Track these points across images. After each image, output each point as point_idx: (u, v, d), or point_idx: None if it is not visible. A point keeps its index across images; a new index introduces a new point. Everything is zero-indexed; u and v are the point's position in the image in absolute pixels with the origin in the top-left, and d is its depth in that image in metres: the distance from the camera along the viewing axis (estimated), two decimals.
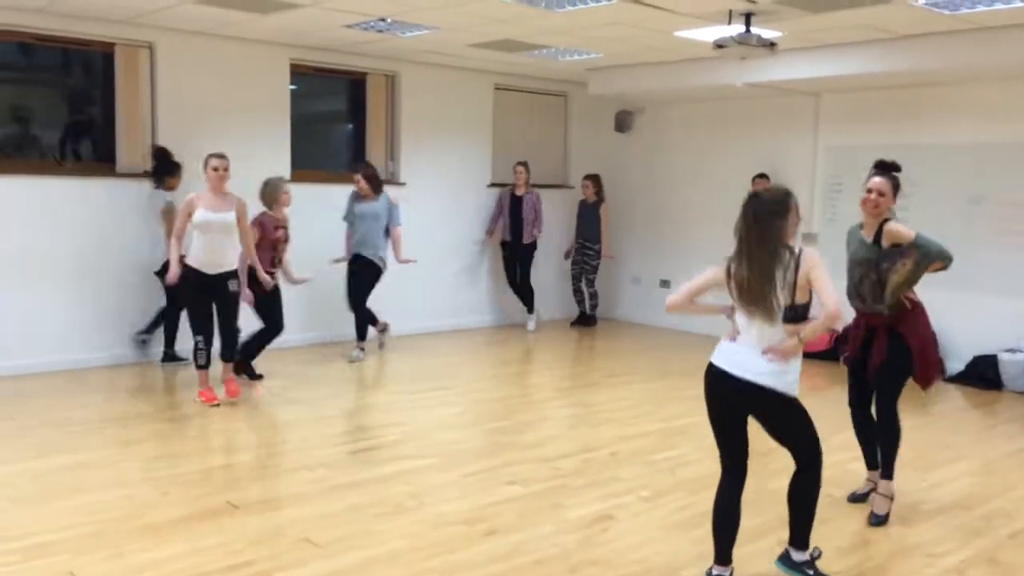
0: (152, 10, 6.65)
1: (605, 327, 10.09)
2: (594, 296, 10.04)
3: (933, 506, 4.55)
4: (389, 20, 6.79)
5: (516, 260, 9.65)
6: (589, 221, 9.86)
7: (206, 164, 6.01)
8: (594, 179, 9.88)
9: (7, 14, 6.64)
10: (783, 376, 3.30)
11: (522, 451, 5.30)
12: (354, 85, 8.96)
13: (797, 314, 3.28)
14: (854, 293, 4.46)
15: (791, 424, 3.43)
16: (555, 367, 8.01)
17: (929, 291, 4.68)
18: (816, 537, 3.70)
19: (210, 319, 6.09)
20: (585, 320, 10.09)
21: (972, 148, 7.62)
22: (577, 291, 10.09)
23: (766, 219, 3.27)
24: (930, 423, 6.40)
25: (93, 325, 7.21)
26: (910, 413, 6.62)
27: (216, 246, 5.97)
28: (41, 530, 3.90)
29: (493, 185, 9.77)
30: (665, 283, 9.88)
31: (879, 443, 4.47)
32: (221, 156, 6.05)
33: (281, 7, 6.39)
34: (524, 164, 9.48)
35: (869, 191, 4.30)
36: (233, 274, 6.09)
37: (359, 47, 8.09)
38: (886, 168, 4.36)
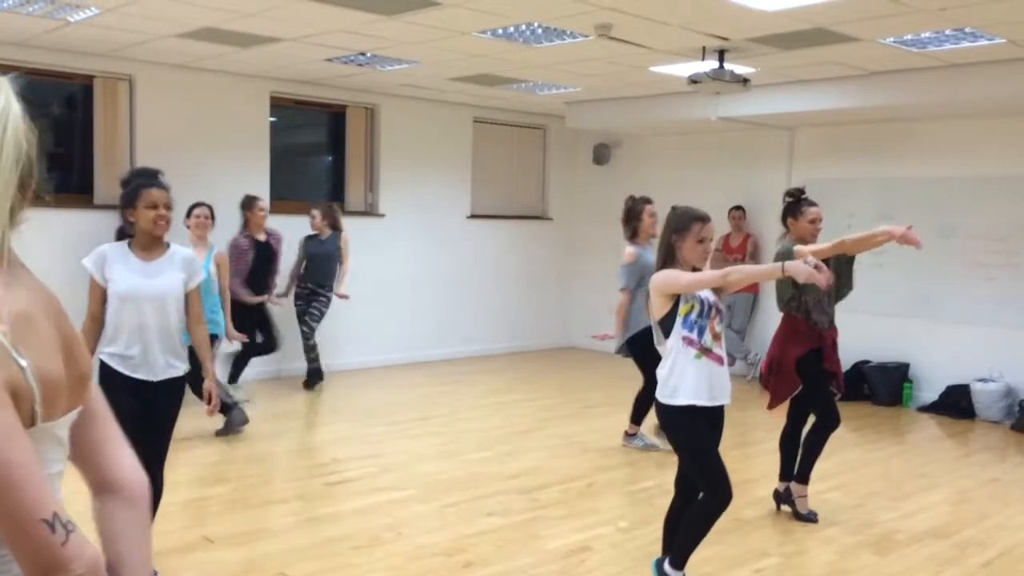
0: (133, 43, 6.69)
1: (582, 357, 10.12)
2: (314, 348, 7.83)
3: (907, 535, 4.59)
4: (369, 54, 6.87)
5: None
6: (322, 260, 7.77)
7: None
8: (325, 209, 7.86)
9: None
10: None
11: (501, 482, 5.30)
12: (334, 117, 9.02)
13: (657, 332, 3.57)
14: (821, 310, 4.60)
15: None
16: (535, 398, 8.02)
17: (903, 321, 4.76)
18: (789, 566, 3.72)
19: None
20: (317, 376, 7.89)
21: (943, 182, 7.77)
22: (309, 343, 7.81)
23: (663, 233, 3.62)
24: (904, 451, 6.46)
25: None
26: (885, 441, 6.69)
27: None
28: None
29: (473, 216, 9.83)
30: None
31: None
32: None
33: (262, 41, 6.45)
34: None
35: (817, 220, 4.67)
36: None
37: (339, 80, 8.16)
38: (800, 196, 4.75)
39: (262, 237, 7.24)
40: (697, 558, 3.90)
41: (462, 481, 5.36)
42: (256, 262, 7.13)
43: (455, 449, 6.13)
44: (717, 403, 3.54)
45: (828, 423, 4.72)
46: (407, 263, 9.25)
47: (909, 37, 5.72)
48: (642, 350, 5.78)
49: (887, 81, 6.92)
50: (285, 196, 8.44)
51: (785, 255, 4.63)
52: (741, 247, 8.80)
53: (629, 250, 5.98)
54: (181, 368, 3.62)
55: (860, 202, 8.12)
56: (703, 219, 3.56)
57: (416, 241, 9.35)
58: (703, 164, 9.49)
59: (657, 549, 3.94)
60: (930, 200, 7.85)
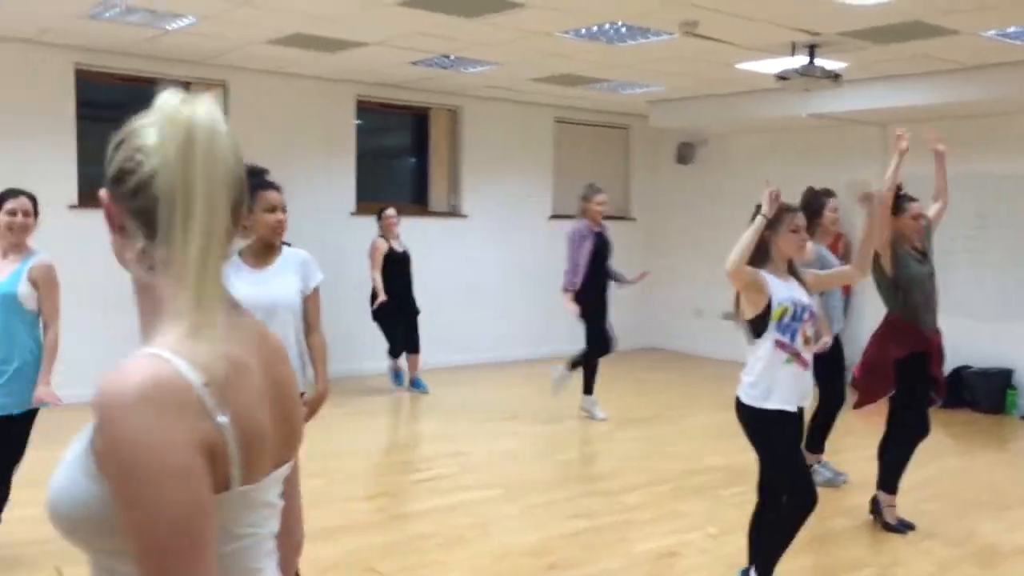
0: (226, 50, 6.90)
1: (664, 357, 10.00)
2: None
3: (1011, 548, 4.39)
4: (452, 56, 6.93)
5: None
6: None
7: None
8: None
9: (96, 56, 6.97)
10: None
11: (586, 484, 5.28)
12: (417, 119, 9.13)
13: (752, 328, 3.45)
14: (928, 308, 4.44)
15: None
16: (616, 399, 7.96)
17: (1006, 325, 4.57)
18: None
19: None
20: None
21: None
22: None
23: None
24: (1007, 461, 6.19)
25: None
26: (987, 450, 6.42)
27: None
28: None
29: (555, 216, 9.82)
30: (728, 315, 9.77)
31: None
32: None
33: (349, 46, 6.57)
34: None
35: (919, 216, 4.55)
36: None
37: (422, 82, 8.26)
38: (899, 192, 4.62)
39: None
40: (789, 568, 3.81)
41: (547, 482, 5.36)
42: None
43: (539, 449, 6.13)
44: (800, 407, 3.50)
45: (919, 431, 4.55)
46: (489, 263, 9.29)
47: (1012, 30, 5.47)
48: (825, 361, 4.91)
49: (986, 75, 6.63)
50: (370, 198, 8.58)
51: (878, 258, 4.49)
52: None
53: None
54: (301, 384, 3.16)
55: (955, 199, 7.76)
56: (792, 209, 3.52)
57: (498, 241, 9.39)
58: (791, 162, 9.26)
59: (745, 558, 3.87)
60: None
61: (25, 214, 3.73)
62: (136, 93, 7.68)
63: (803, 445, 4.83)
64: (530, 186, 9.64)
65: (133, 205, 1.04)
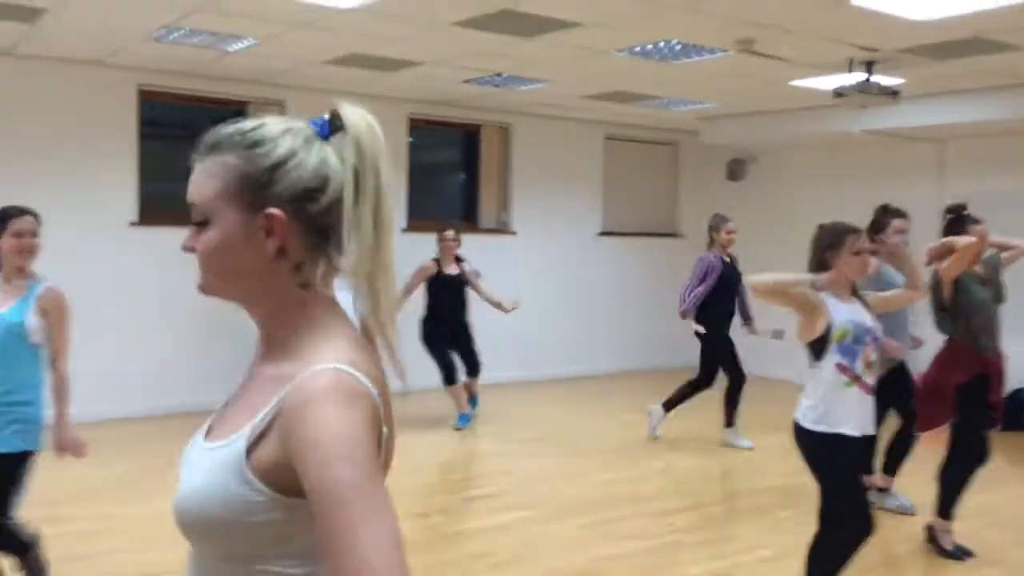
0: (284, 70, 7.04)
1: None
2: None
3: None
4: (505, 75, 6.99)
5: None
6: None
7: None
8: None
9: (159, 76, 7.17)
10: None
11: (636, 504, 5.24)
12: (468, 136, 9.21)
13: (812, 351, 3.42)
14: (989, 334, 4.35)
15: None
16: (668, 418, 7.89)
17: None
18: None
19: None
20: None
21: None
22: None
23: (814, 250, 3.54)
24: None
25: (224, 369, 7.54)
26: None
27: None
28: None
29: (604, 234, 9.81)
30: (778, 333, 9.64)
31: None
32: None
33: (404, 65, 6.66)
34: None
35: (984, 239, 4.34)
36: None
37: (474, 100, 8.33)
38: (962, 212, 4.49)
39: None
40: None
41: (597, 501, 5.34)
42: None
43: (588, 468, 6.11)
44: (864, 433, 3.42)
45: (980, 456, 4.44)
46: (539, 280, 9.31)
47: None
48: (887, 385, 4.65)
49: None
50: (421, 216, 8.66)
51: (936, 282, 4.40)
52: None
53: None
54: None
55: (1013, 218, 7.62)
56: (855, 231, 3.48)
57: (548, 258, 9.41)
58: (844, 179, 9.14)
59: None
60: None
61: (33, 235, 3.39)
62: (196, 113, 7.88)
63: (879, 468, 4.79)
64: (579, 203, 9.66)
65: (322, 222, 1.10)
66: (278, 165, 1.09)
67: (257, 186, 1.08)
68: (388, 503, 0.98)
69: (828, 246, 3.47)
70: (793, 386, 3.67)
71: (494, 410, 7.95)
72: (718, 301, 6.68)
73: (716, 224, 6.84)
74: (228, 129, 1.13)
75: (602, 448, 6.70)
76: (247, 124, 1.13)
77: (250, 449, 1.03)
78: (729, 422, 6.83)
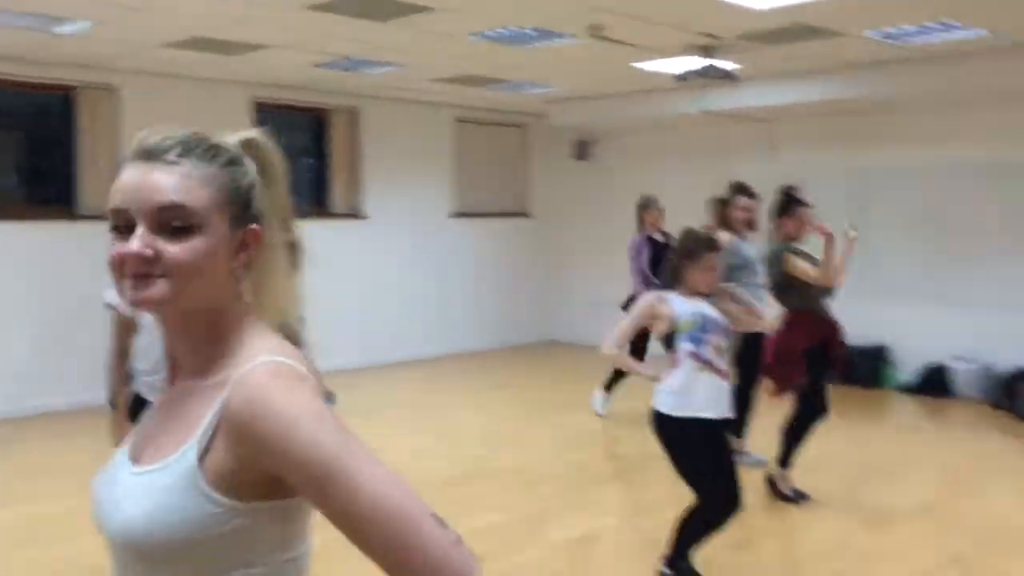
0: (120, 54, 6.71)
1: (567, 352, 10.25)
2: None
3: (897, 513, 4.76)
4: (355, 58, 6.94)
5: None
6: None
7: None
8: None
9: None
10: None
11: (501, 477, 5.40)
12: (317, 121, 9.07)
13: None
14: (825, 302, 4.76)
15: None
16: (528, 392, 8.14)
17: (881, 304, 4.90)
18: (785, 547, 3.86)
19: None
20: None
21: (919, 169, 7.98)
22: None
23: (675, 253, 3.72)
24: (887, 431, 6.66)
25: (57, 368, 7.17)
26: (868, 422, 6.88)
27: None
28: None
29: (456, 215, 9.92)
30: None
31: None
32: None
33: (248, 48, 6.49)
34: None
35: (808, 222, 4.80)
36: None
37: (322, 84, 8.22)
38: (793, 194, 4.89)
39: None
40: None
41: (463, 477, 5.46)
42: None
43: (452, 445, 6.23)
44: (721, 415, 3.59)
45: (821, 412, 4.87)
46: (393, 263, 9.33)
47: (892, 30, 5.89)
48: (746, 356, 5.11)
49: (869, 73, 7.12)
50: None
51: (775, 259, 4.77)
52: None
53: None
54: None
55: (837, 192, 8.30)
56: (714, 248, 3.65)
57: (401, 241, 9.44)
58: (685, 157, 9.63)
59: (661, 536, 4.08)
60: (905, 188, 8.06)
61: None
62: (25, 99, 7.37)
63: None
64: (431, 186, 9.72)
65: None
66: (253, 185, 1.13)
67: (243, 203, 1.11)
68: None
69: (686, 255, 3.63)
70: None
71: (355, 394, 7.93)
72: (657, 278, 6.91)
73: (644, 205, 7.00)
74: (193, 139, 1.11)
75: (465, 425, 6.84)
76: (211, 138, 1.13)
77: (200, 462, 1.02)
78: (608, 387, 7.02)
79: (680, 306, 3.61)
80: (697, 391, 3.53)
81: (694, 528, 3.67)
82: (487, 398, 7.94)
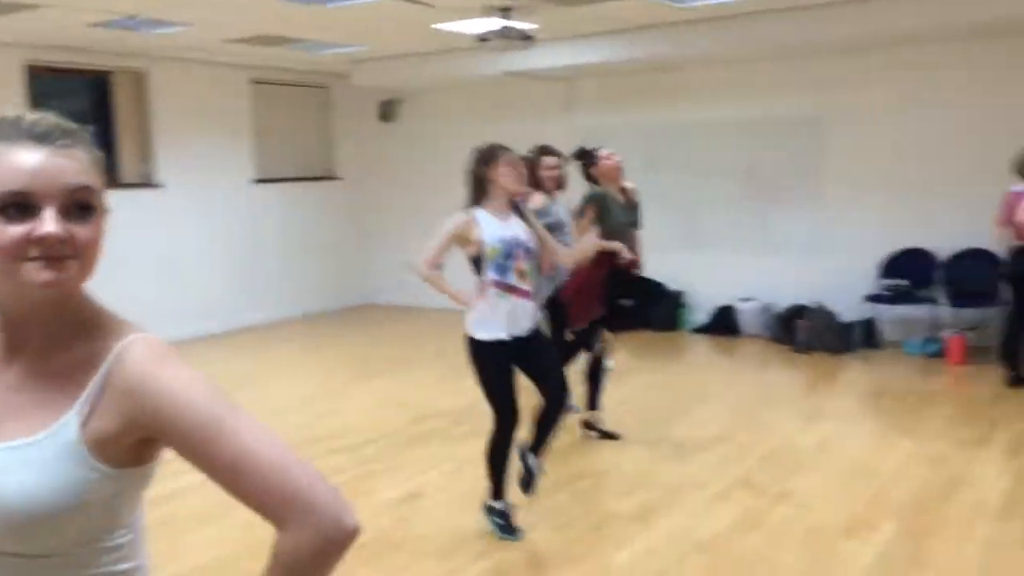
0: None
1: (384, 313, 10.26)
2: None
3: (695, 443, 5.20)
4: (138, 18, 6.52)
5: None
6: None
7: None
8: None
9: None
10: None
11: (323, 443, 5.39)
12: (98, 84, 8.45)
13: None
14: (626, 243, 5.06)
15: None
16: (344, 358, 8.10)
17: (675, 252, 5.25)
18: (600, 484, 4.14)
19: None
20: None
21: (704, 125, 8.55)
22: None
23: (473, 171, 3.83)
24: (684, 370, 7.20)
25: None
26: (667, 363, 7.40)
27: None
28: None
29: (259, 181, 9.60)
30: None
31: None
32: None
33: (17, 7, 5.95)
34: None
35: (612, 155, 5.08)
36: None
37: (103, 45, 7.66)
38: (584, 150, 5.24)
39: None
40: (518, 488, 4.26)
41: (288, 445, 5.39)
42: None
43: (272, 415, 6.12)
44: (513, 334, 3.79)
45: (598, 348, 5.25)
46: (192, 233, 8.93)
47: None
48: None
49: (655, 34, 7.51)
50: None
51: (596, 199, 5.01)
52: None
53: None
54: None
55: (631, 147, 8.72)
56: (505, 147, 3.83)
57: (200, 210, 9.03)
58: (488, 117, 9.76)
59: (482, 486, 4.26)
60: (693, 142, 8.62)
61: None
62: None
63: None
64: (230, 150, 9.34)
65: None
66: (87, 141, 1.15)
67: (104, 183, 1.14)
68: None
69: (483, 162, 3.79)
70: (455, 312, 4.00)
71: None
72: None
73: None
74: (63, 121, 1.12)
75: (284, 393, 6.74)
76: (68, 121, 1.14)
77: (81, 432, 1.07)
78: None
79: (488, 229, 3.74)
80: (498, 315, 3.75)
81: (495, 451, 3.91)
82: (302, 365, 7.83)
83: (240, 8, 6.27)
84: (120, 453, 1.08)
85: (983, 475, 4.52)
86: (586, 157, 5.16)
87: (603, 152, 5.10)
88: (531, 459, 4.02)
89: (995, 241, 6.47)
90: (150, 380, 1.07)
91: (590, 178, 5.19)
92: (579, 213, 5.08)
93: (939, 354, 7.09)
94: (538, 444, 4.01)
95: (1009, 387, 6.11)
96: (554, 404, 3.91)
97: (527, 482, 4.03)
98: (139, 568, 1.17)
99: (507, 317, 3.77)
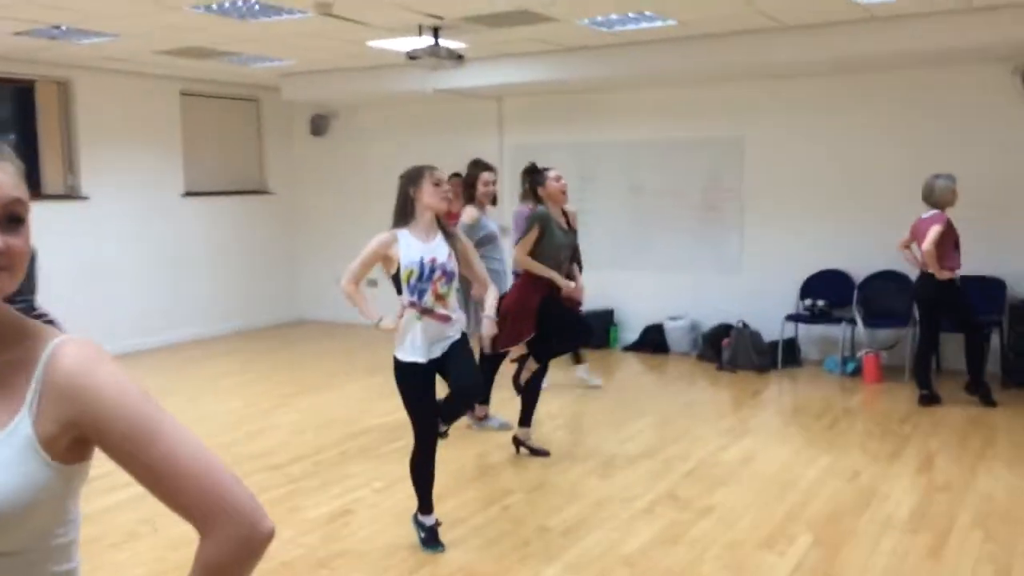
0: None
1: (315, 329, 10.18)
2: None
3: (624, 458, 5.29)
4: (64, 27, 6.39)
5: None
6: None
7: None
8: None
9: None
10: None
11: (251, 461, 5.33)
12: (19, 93, 8.24)
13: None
14: (559, 269, 5.14)
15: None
16: (274, 375, 8.00)
17: (606, 271, 5.37)
18: (530, 499, 4.20)
19: None
20: None
21: (631, 145, 8.74)
22: None
23: (400, 191, 3.89)
24: (614, 387, 7.31)
25: None
26: (602, 380, 7.51)
27: None
28: None
29: (188, 194, 9.45)
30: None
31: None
32: None
33: None
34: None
35: (560, 177, 5.13)
36: None
37: (27, 54, 7.48)
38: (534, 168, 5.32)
39: None
40: (450, 504, 4.30)
41: None
42: None
43: (201, 433, 5.96)
44: (429, 358, 3.85)
45: (543, 367, 5.31)
46: (119, 247, 8.74)
47: (600, 18, 6.40)
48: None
49: (581, 56, 7.67)
50: None
51: (541, 218, 5.07)
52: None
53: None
54: None
55: (561, 165, 8.85)
56: (432, 167, 3.89)
57: (127, 223, 8.85)
58: (419, 133, 9.82)
59: (414, 504, 4.29)
60: (621, 161, 8.80)
61: None
62: None
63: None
64: (158, 163, 9.17)
65: None
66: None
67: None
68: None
69: (409, 183, 3.84)
70: (377, 330, 4.02)
71: None
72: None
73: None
74: None
75: (211, 412, 6.63)
76: None
77: (34, 431, 1.10)
78: (578, 360, 7.15)
79: (407, 250, 3.78)
80: (415, 338, 3.80)
81: (417, 469, 3.98)
82: (231, 383, 7.72)
83: (168, 20, 6.20)
84: (62, 451, 1.12)
85: (894, 490, 4.71)
86: (536, 175, 5.21)
87: (552, 173, 5.16)
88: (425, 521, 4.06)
89: (907, 263, 6.76)
90: (83, 380, 1.11)
91: (534, 196, 5.25)
92: (525, 231, 5.13)
93: (857, 372, 7.35)
94: (420, 495, 4.05)
95: (920, 405, 6.37)
96: (423, 445, 3.97)
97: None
98: (76, 570, 1.20)
99: (423, 338, 3.81)
